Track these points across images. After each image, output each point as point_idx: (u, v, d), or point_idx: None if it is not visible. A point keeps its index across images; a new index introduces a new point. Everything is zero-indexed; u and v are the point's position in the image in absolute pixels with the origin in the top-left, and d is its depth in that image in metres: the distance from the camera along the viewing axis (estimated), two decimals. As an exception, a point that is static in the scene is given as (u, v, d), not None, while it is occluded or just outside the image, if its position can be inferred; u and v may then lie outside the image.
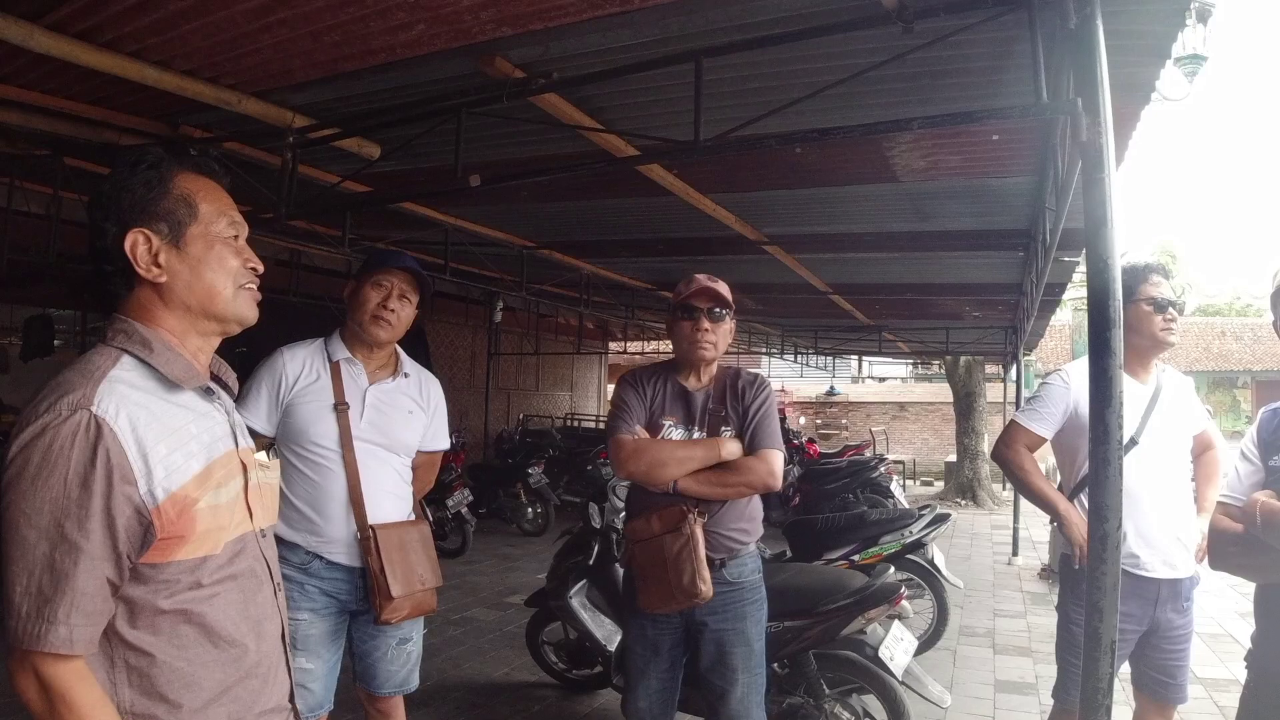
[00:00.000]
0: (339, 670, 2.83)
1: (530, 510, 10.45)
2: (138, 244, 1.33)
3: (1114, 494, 2.07)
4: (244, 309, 1.44)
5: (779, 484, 2.79)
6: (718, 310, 2.86)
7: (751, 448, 2.79)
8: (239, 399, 2.71)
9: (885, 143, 4.10)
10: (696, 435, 2.85)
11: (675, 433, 2.87)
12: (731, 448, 2.78)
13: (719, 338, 2.87)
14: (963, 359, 14.86)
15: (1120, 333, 2.13)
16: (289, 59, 3.20)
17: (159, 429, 1.26)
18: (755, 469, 2.75)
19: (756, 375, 2.95)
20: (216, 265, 1.39)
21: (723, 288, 2.87)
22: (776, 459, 2.78)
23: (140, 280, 1.35)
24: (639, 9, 2.72)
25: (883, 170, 4.56)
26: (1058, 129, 3.33)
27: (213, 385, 1.46)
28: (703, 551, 2.71)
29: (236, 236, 1.44)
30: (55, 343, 9.36)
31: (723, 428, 2.83)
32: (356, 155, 4.21)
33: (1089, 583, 2.12)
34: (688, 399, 2.90)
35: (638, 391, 2.92)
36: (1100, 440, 2.08)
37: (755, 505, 2.96)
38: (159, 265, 1.35)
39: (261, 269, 1.47)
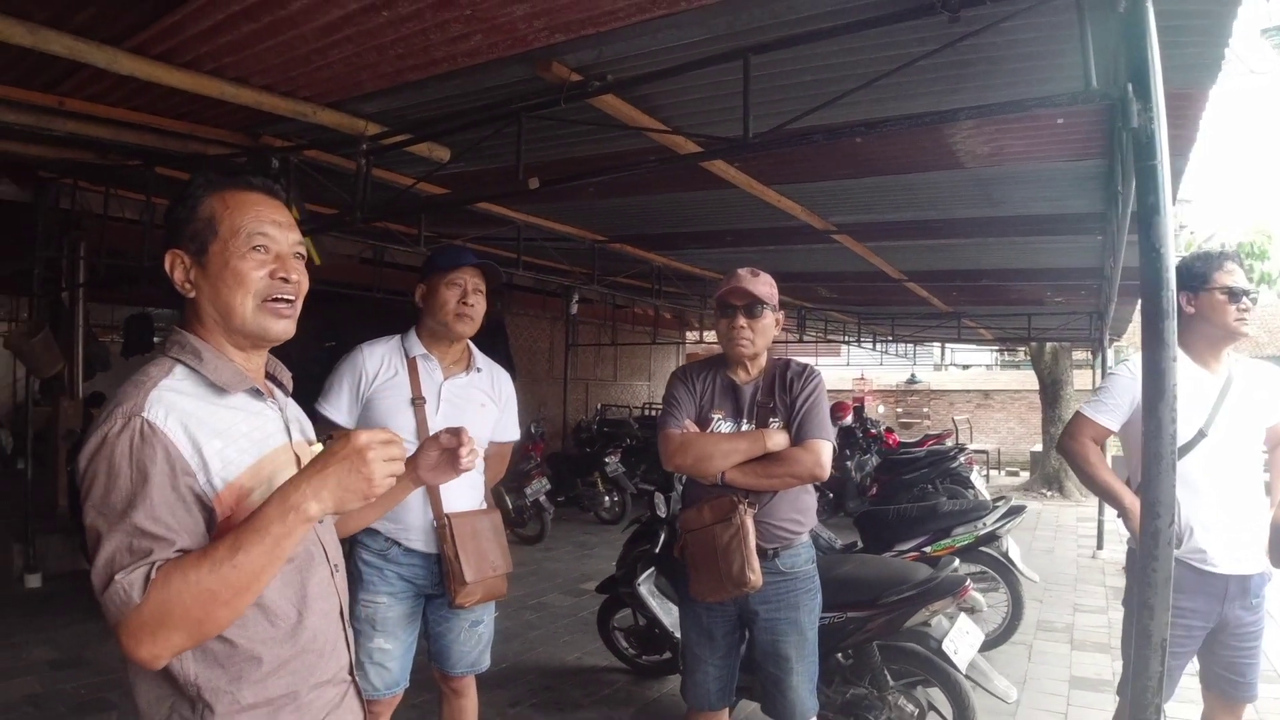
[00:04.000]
0: (415, 650, 2.97)
1: (607, 498, 10.59)
2: (174, 265, 1.46)
3: (1167, 490, 2.04)
4: (265, 325, 1.46)
5: (826, 474, 2.78)
6: (755, 307, 2.85)
7: (798, 438, 2.79)
8: (322, 394, 2.89)
9: (947, 130, 4.04)
10: (745, 428, 2.87)
11: (724, 426, 2.89)
12: (777, 439, 2.79)
13: (757, 334, 2.87)
14: (1048, 345, 14.40)
15: (1174, 324, 2.09)
16: (357, 71, 3.36)
17: (209, 429, 1.37)
18: (801, 459, 2.75)
19: (806, 366, 2.93)
20: (231, 281, 1.44)
21: (761, 284, 2.85)
22: (823, 449, 2.77)
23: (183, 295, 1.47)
24: (685, 10, 2.77)
25: (947, 157, 4.50)
26: (1119, 112, 3.25)
27: (265, 385, 1.55)
28: (753, 541, 2.74)
29: (263, 248, 1.46)
30: (154, 339, 9.85)
31: (771, 419, 2.84)
32: (427, 159, 4.37)
33: (1140, 579, 2.09)
34: (736, 392, 2.93)
35: (688, 386, 2.96)
36: (1153, 435, 2.04)
37: (808, 496, 2.97)
38: (190, 283, 1.46)
39: (294, 278, 1.48)
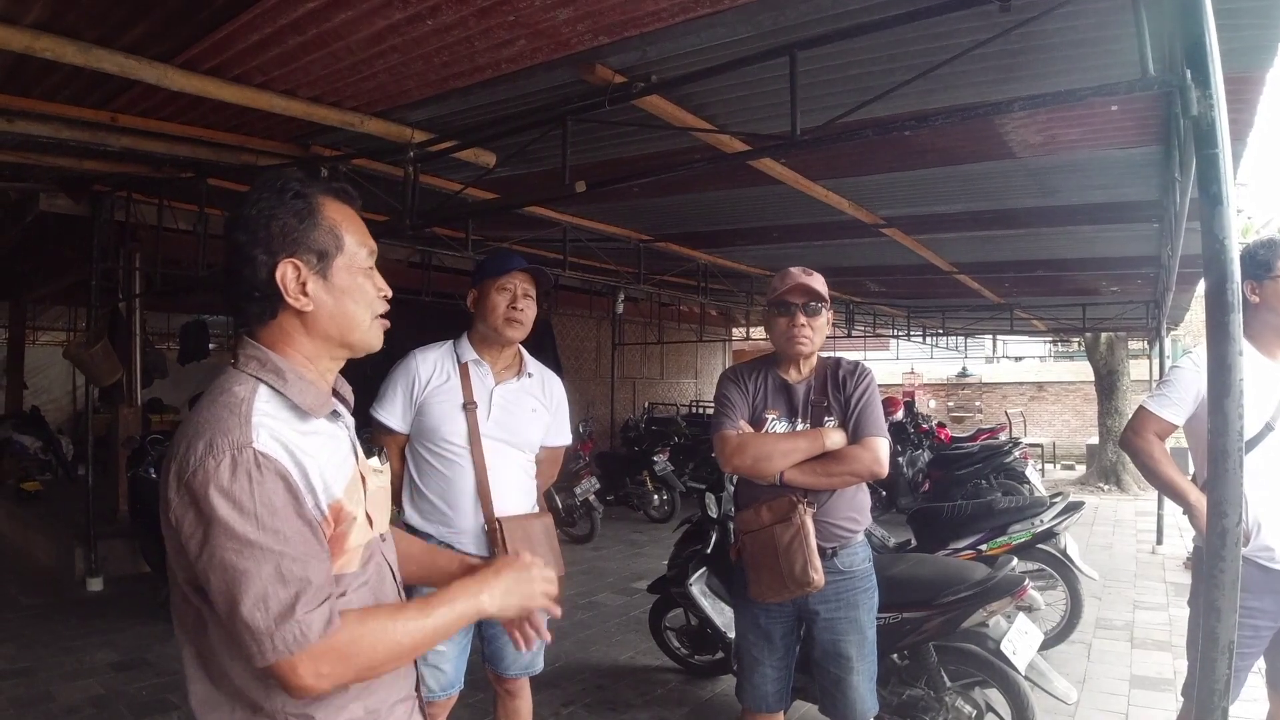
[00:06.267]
0: (469, 652, 2.99)
1: (656, 497, 10.56)
2: (287, 274, 1.36)
3: (1234, 488, 1.97)
4: (375, 338, 1.48)
5: (885, 471, 2.77)
6: (813, 304, 2.84)
7: (855, 436, 2.78)
8: (376, 399, 2.93)
9: (998, 120, 3.98)
10: (800, 427, 2.85)
11: (779, 426, 2.87)
12: (835, 437, 2.77)
13: (815, 332, 2.86)
14: (1103, 335, 14.07)
15: (1239, 318, 2.01)
16: (403, 80, 3.41)
17: (304, 452, 1.34)
18: (860, 457, 2.74)
19: (857, 364, 2.92)
20: (358, 296, 1.43)
21: (817, 281, 2.84)
22: (881, 446, 2.76)
23: (285, 306, 1.38)
24: (729, 8, 2.76)
25: (998, 147, 4.43)
26: (1177, 98, 3.18)
27: (338, 407, 1.52)
28: (814, 541, 2.73)
29: (372, 267, 1.47)
30: (210, 346, 10.04)
31: (826, 418, 2.83)
32: (474, 164, 4.42)
33: (1206, 580, 2.03)
34: (789, 392, 2.91)
35: (740, 387, 2.94)
36: (1219, 432, 1.98)
37: (864, 494, 2.95)
38: (305, 294, 1.38)
39: (390, 294, 1.50)
